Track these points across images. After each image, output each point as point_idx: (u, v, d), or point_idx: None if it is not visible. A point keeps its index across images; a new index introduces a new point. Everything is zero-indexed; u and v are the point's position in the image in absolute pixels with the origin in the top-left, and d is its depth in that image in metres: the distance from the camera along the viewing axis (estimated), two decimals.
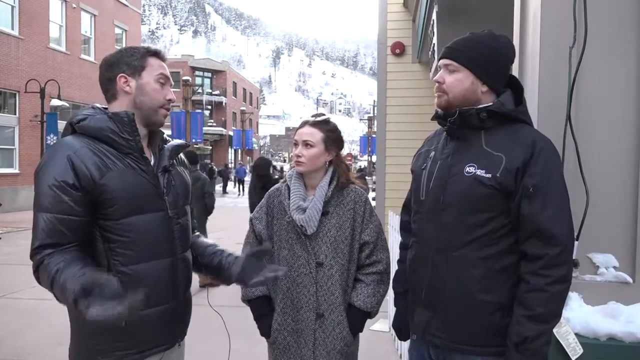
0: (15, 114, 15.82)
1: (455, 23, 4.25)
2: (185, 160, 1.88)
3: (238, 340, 2.26)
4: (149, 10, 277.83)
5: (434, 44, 4.71)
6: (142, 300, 1.28)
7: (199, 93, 37.26)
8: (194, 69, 40.19)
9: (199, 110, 27.55)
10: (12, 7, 15.66)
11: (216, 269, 1.80)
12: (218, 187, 25.08)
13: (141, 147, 1.60)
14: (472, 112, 1.58)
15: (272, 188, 2.20)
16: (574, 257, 1.60)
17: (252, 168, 7.21)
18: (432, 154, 1.72)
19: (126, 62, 1.62)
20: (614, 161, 1.79)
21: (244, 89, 49.71)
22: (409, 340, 1.83)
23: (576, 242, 1.63)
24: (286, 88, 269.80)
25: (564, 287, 1.48)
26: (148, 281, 1.54)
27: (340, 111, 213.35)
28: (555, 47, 1.80)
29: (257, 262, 1.72)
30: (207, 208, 6.60)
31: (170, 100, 1.67)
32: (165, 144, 1.74)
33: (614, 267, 1.79)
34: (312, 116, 2.15)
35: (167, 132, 2.00)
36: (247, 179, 30.29)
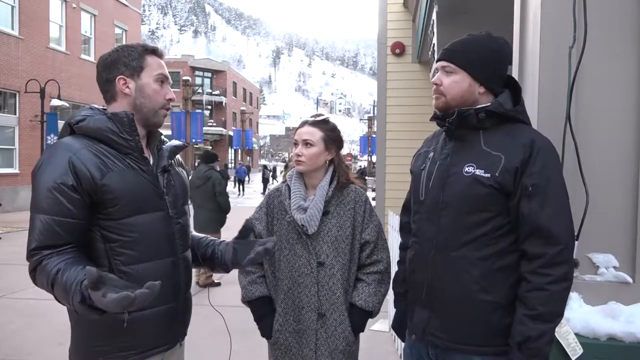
0: (15, 114, 15.82)
1: (455, 23, 4.26)
2: (182, 161, 1.89)
3: (239, 340, 2.26)
4: (149, 10, 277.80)
5: (434, 44, 4.71)
6: (157, 288, 1.27)
7: (199, 93, 37.28)
8: (194, 69, 40.22)
9: (199, 110, 27.58)
10: (12, 7, 15.65)
11: (210, 259, 1.84)
12: (233, 187, 25.04)
13: (141, 147, 1.60)
14: (470, 113, 1.58)
15: (272, 188, 2.21)
16: (574, 257, 1.60)
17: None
18: (431, 154, 1.72)
19: (124, 62, 1.60)
20: (613, 161, 1.78)
21: (244, 89, 49.73)
22: None
23: (576, 242, 1.62)
24: (286, 88, 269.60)
25: (564, 286, 1.48)
26: (149, 281, 1.53)
27: (340, 111, 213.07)
28: (555, 47, 1.80)
29: (246, 243, 1.75)
30: (222, 207, 6.58)
31: (170, 99, 1.67)
32: (163, 145, 1.74)
33: (614, 267, 1.78)
34: (312, 116, 2.16)
35: (167, 132, 2.00)
36: (247, 179, 30.30)
